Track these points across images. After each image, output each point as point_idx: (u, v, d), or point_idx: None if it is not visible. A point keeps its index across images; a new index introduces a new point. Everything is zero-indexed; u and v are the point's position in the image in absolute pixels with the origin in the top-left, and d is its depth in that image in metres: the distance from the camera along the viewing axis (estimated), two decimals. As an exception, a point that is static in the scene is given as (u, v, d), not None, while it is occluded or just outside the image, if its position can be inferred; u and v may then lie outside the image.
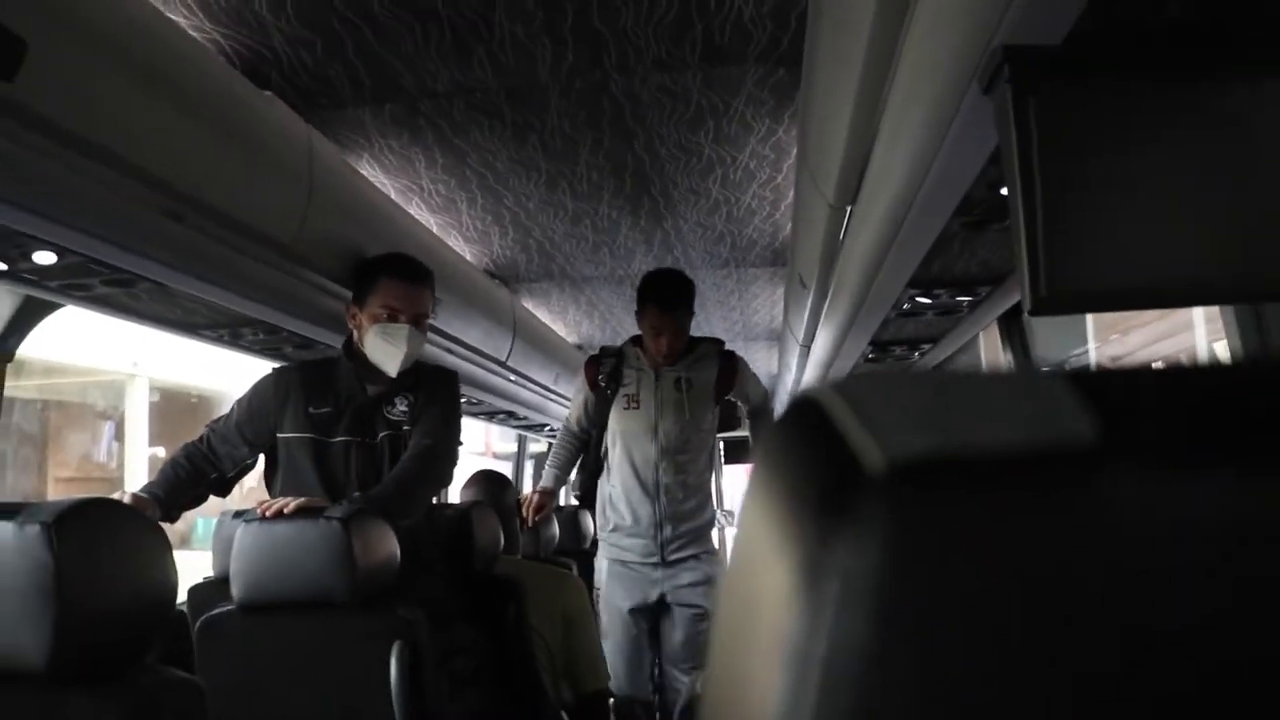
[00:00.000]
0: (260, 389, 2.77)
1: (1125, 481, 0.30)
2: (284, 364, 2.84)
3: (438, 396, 2.84)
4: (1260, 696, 0.29)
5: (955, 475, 0.30)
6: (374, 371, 2.73)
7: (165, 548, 1.54)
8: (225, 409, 2.80)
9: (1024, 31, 1.18)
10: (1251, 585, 0.30)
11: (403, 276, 2.75)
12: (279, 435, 2.71)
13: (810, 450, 0.33)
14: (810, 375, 5.17)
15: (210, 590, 2.75)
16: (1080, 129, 1.15)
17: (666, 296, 3.48)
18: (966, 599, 0.30)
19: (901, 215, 1.94)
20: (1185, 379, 0.35)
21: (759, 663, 0.32)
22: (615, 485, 3.63)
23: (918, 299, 2.73)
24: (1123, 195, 1.16)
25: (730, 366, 3.69)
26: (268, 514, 2.24)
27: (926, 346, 3.77)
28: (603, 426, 3.67)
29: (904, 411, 0.32)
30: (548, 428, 6.51)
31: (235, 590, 2.22)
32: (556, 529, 4.52)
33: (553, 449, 3.92)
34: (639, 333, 3.64)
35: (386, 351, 2.70)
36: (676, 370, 3.59)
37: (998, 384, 0.34)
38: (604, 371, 3.64)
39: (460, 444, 2.93)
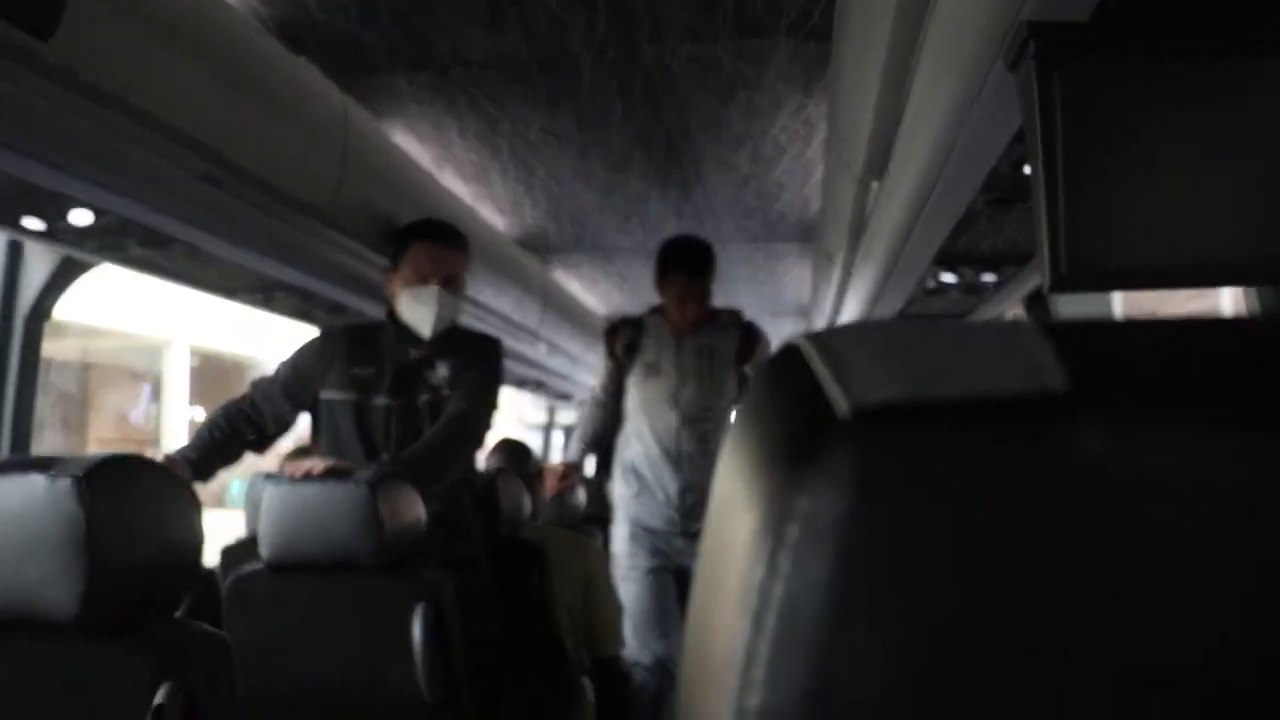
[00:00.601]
0: (306, 349, 2.81)
1: (1092, 432, 0.31)
2: (331, 328, 2.88)
3: (476, 361, 2.84)
4: (1219, 658, 0.30)
5: (921, 419, 0.31)
6: (414, 335, 2.76)
7: (194, 505, 1.57)
8: (257, 371, 2.84)
9: (1050, 8, 1.17)
10: (1219, 543, 0.30)
11: (432, 239, 2.78)
12: (321, 396, 2.75)
13: (784, 398, 0.34)
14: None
15: (243, 550, 2.79)
16: (1105, 106, 1.15)
17: (693, 261, 3.46)
18: (926, 543, 0.30)
19: (927, 191, 1.94)
20: (1161, 333, 0.35)
21: (727, 610, 0.32)
22: (637, 453, 3.62)
23: (943, 276, 2.73)
24: (1147, 173, 1.16)
25: (751, 337, 3.66)
26: (296, 475, 2.27)
27: (954, 324, 3.77)
28: (619, 395, 3.66)
29: (877, 359, 0.33)
30: (576, 398, 6.54)
31: (263, 550, 2.26)
32: (583, 498, 4.54)
33: (581, 420, 3.93)
34: (658, 303, 3.63)
35: (418, 314, 2.73)
36: (699, 339, 3.56)
37: (974, 334, 0.34)
38: (622, 341, 3.63)
39: (497, 410, 2.93)
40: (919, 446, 0.31)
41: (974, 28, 1.34)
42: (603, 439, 3.78)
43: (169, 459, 2.52)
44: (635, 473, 3.61)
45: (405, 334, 2.77)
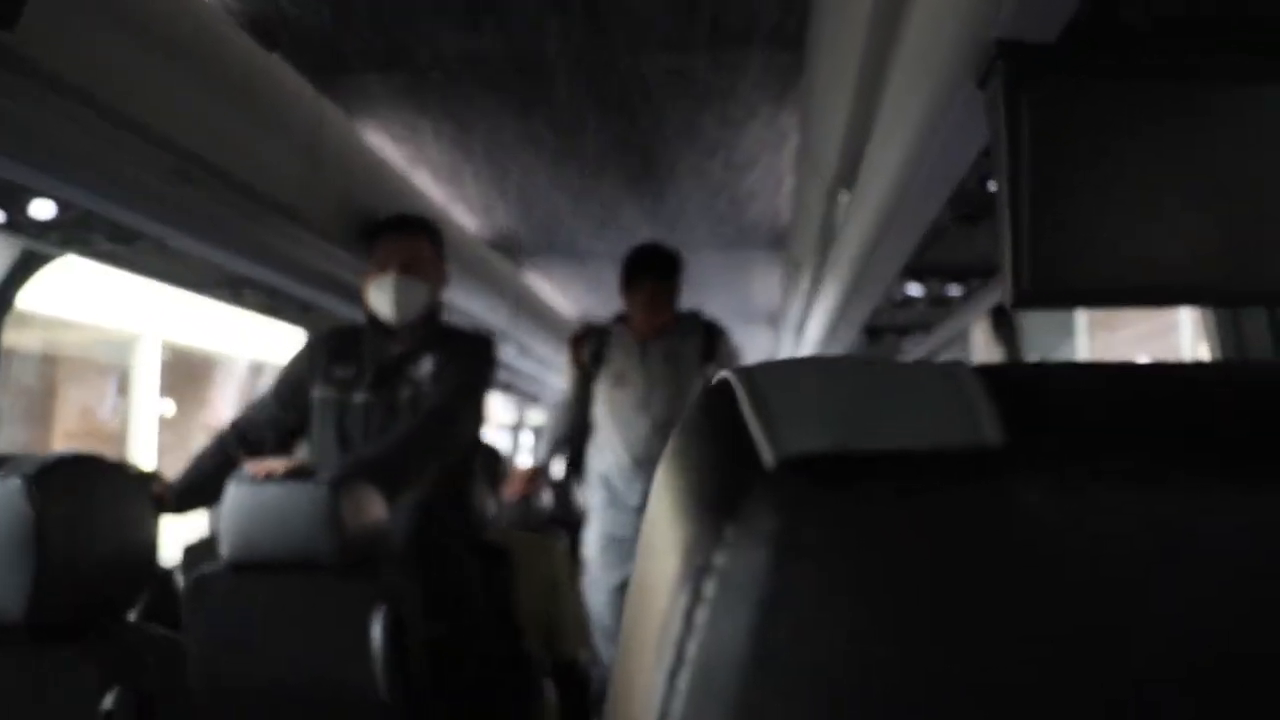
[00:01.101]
0: (295, 357, 2.87)
1: (1029, 486, 0.30)
2: (318, 332, 2.94)
3: (461, 358, 2.80)
4: (1160, 700, 0.30)
5: (850, 471, 0.30)
6: (392, 330, 2.77)
7: (147, 505, 1.56)
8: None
9: (1019, 26, 1.18)
10: (1156, 589, 0.30)
11: (391, 229, 2.83)
12: (310, 396, 2.77)
13: (710, 443, 0.33)
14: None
15: (205, 550, 2.77)
16: (1072, 125, 1.16)
17: (661, 266, 3.51)
18: (854, 599, 0.29)
19: (895, 204, 1.94)
20: (1098, 381, 0.34)
21: (645, 663, 0.32)
22: (609, 463, 3.61)
23: (909, 288, 2.74)
24: (1112, 193, 1.16)
25: (713, 336, 3.68)
26: (258, 475, 2.26)
27: (918, 336, 3.78)
28: (586, 403, 3.66)
29: (808, 404, 0.32)
30: (545, 400, 6.53)
31: (223, 549, 2.24)
32: (548, 500, 4.53)
33: (549, 422, 3.92)
34: (622, 312, 3.68)
35: (380, 303, 2.76)
36: (665, 344, 3.58)
37: (910, 381, 0.33)
38: (588, 349, 3.65)
39: (481, 411, 2.93)
40: (847, 500, 0.30)
41: (944, 45, 1.34)
42: (572, 440, 3.78)
43: (158, 484, 2.52)
44: (606, 483, 3.60)
45: (383, 330, 2.78)
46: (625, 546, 3.58)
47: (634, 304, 3.54)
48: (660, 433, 3.54)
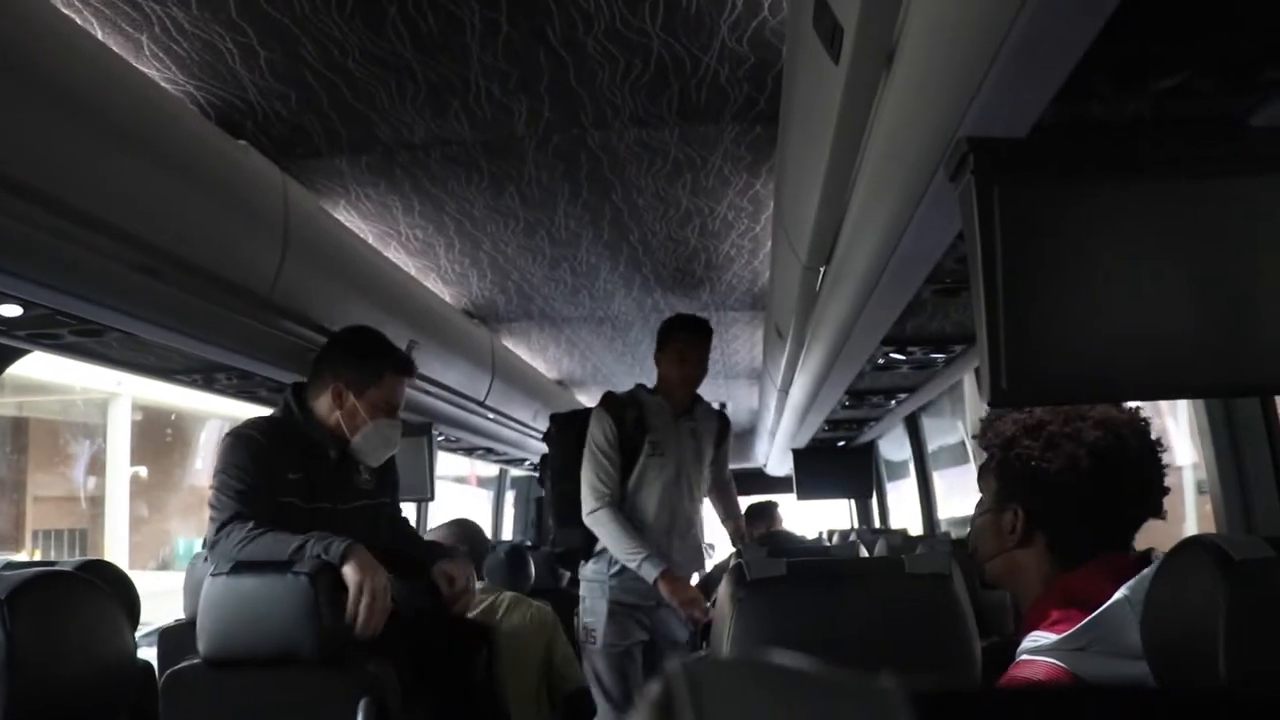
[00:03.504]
0: (249, 459, 2.51)
1: None
2: (245, 432, 2.56)
3: (390, 469, 2.91)
4: None
5: None
6: (333, 439, 2.66)
7: (122, 620, 1.52)
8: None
9: (990, 123, 1.18)
10: None
11: (404, 373, 2.76)
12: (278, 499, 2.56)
13: None
14: (788, 419, 5.17)
15: (181, 634, 2.71)
16: (1043, 221, 1.15)
17: (699, 325, 3.64)
18: None
19: (873, 281, 1.94)
20: (1029, 710, 0.34)
21: None
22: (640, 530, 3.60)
23: (892, 355, 2.74)
24: (1086, 288, 1.15)
25: (726, 425, 3.93)
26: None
27: (903, 395, 3.78)
28: (627, 473, 3.64)
29: None
30: (528, 461, 6.50)
31: (201, 645, 2.19)
32: (533, 567, 4.48)
33: (611, 538, 3.57)
34: (641, 381, 3.79)
35: (382, 445, 2.72)
36: (691, 420, 3.75)
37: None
38: (630, 417, 3.66)
39: None
40: None
41: (915, 137, 1.34)
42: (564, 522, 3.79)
43: None
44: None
45: (323, 436, 2.65)
46: (636, 612, 3.61)
47: (670, 364, 3.65)
48: (690, 504, 3.71)
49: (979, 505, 1.59)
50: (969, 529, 1.66)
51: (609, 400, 3.70)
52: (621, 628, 3.62)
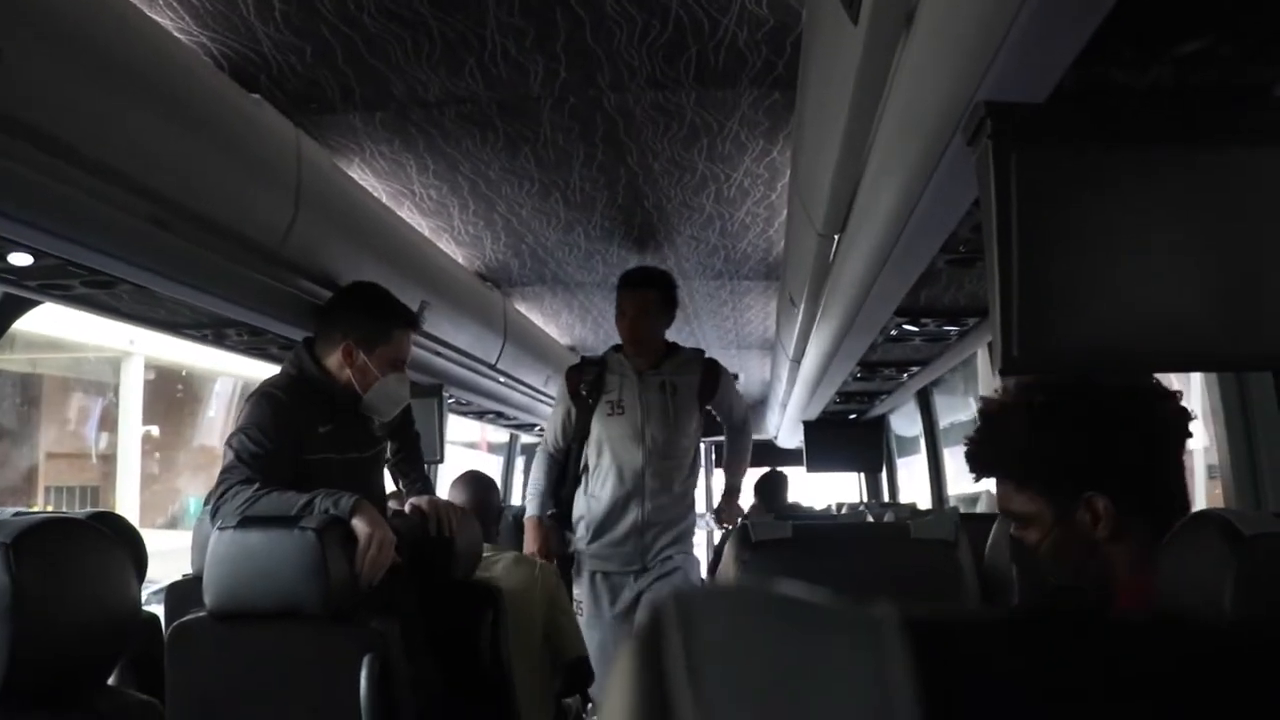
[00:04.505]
0: (271, 419, 2.51)
1: None
2: (270, 390, 2.58)
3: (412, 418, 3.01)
4: None
5: None
6: (346, 393, 2.67)
7: (127, 568, 1.53)
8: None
9: (1008, 88, 1.16)
10: None
11: (415, 328, 2.83)
12: (305, 457, 2.57)
13: (641, 713, 0.32)
14: (800, 391, 5.15)
15: (189, 589, 2.72)
16: (1060, 187, 1.14)
17: (633, 278, 3.55)
18: None
19: (887, 249, 1.93)
20: (1038, 641, 0.33)
21: None
22: (599, 494, 3.59)
23: (905, 326, 2.72)
24: (1100, 257, 1.14)
25: (713, 372, 3.72)
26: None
27: (915, 369, 3.76)
28: (584, 437, 3.64)
29: (738, 682, 0.31)
30: (538, 427, 6.50)
31: (207, 598, 2.20)
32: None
33: (530, 475, 3.87)
34: (618, 342, 3.69)
35: (393, 400, 2.75)
36: (660, 374, 3.60)
37: (831, 654, 0.33)
38: (586, 380, 3.64)
39: None
40: None
41: (933, 102, 1.32)
42: (558, 490, 3.77)
43: None
44: (595, 516, 3.59)
45: (340, 391, 2.66)
46: (613, 580, 3.58)
47: (620, 323, 3.58)
48: (653, 463, 3.55)
49: (1033, 532, 1.44)
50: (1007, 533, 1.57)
51: (574, 365, 3.79)
52: (604, 597, 3.61)
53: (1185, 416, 1.38)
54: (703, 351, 3.80)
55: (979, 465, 1.49)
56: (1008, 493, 1.46)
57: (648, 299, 3.54)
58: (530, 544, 3.66)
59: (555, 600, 3.59)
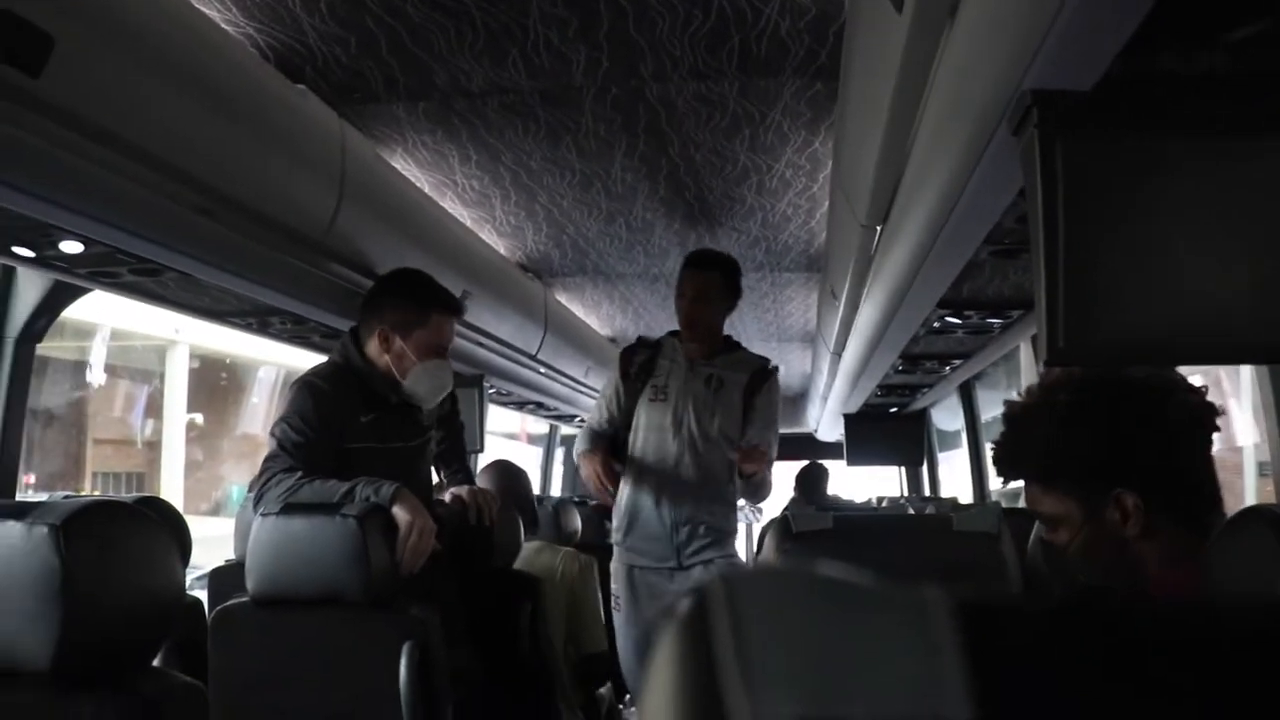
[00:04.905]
0: (313, 408, 2.52)
1: None
2: (312, 380, 2.58)
3: (454, 406, 2.96)
4: None
5: None
6: (388, 382, 2.65)
7: (173, 551, 1.54)
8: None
9: (1054, 76, 1.15)
10: None
11: (452, 312, 2.73)
12: (347, 446, 2.57)
13: (686, 684, 0.32)
14: (840, 383, 5.14)
15: (232, 574, 2.76)
16: (1107, 177, 1.12)
17: (697, 258, 3.34)
18: None
19: (930, 240, 1.91)
20: (1089, 626, 0.33)
21: None
22: (632, 482, 3.43)
23: (947, 319, 2.70)
24: (1148, 247, 1.13)
25: (763, 376, 3.45)
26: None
27: (957, 362, 3.74)
28: (628, 421, 3.44)
29: (788, 661, 0.31)
30: (578, 418, 6.52)
31: (250, 583, 2.23)
32: (579, 522, 4.49)
33: (577, 440, 3.69)
34: (677, 327, 3.47)
35: (432, 387, 2.70)
36: (711, 367, 3.39)
37: (886, 639, 0.32)
38: (637, 361, 3.45)
39: None
40: None
41: (978, 90, 1.31)
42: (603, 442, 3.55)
43: None
44: (631, 506, 3.42)
45: (384, 381, 2.65)
46: (648, 577, 3.41)
47: (679, 303, 3.37)
48: (690, 455, 3.35)
49: (1063, 533, 1.43)
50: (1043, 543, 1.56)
51: (629, 345, 3.57)
52: (638, 597, 3.41)
53: (1211, 410, 1.36)
54: (767, 360, 3.54)
55: (1006, 467, 1.49)
56: (1035, 494, 1.45)
57: (711, 281, 3.31)
58: (587, 472, 3.44)
59: (576, 591, 3.56)
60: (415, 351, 2.63)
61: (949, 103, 1.44)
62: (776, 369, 3.50)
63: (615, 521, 3.50)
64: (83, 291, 2.53)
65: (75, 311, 2.71)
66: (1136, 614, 0.33)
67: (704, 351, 3.39)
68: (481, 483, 3.55)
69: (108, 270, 2.31)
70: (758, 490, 3.49)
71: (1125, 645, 0.32)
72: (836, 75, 2.26)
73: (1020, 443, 1.45)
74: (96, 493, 12.14)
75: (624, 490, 3.45)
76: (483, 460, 5.15)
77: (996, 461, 1.50)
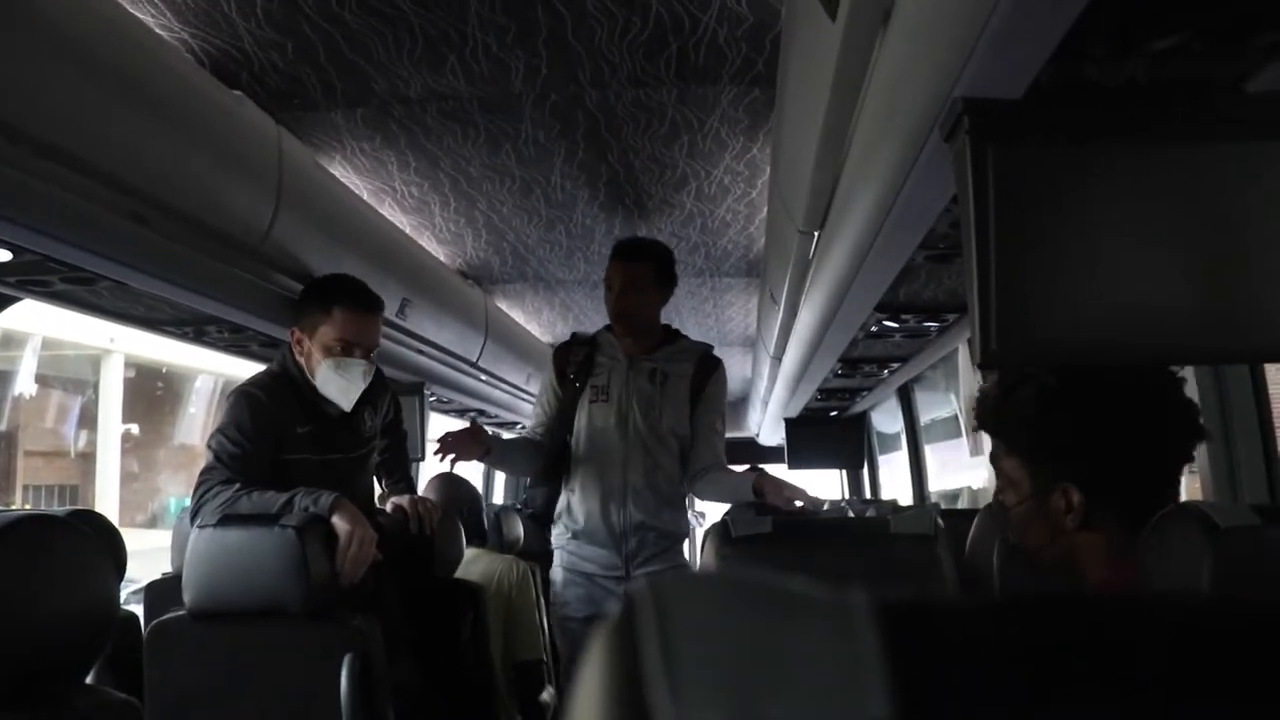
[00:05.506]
0: (249, 418, 2.49)
1: None
2: (248, 390, 2.54)
3: (396, 411, 2.97)
4: None
5: None
6: (313, 389, 2.60)
7: (107, 566, 1.52)
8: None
9: (985, 84, 1.17)
10: None
11: (358, 307, 2.59)
12: (285, 457, 2.54)
13: (612, 686, 0.32)
14: (781, 387, 5.17)
15: (168, 588, 2.72)
16: (1038, 183, 1.15)
17: (625, 248, 3.14)
18: None
19: (867, 245, 1.94)
20: (1012, 621, 0.34)
21: None
22: (577, 488, 3.23)
23: (885, 322, 2.73)
24: (1078, 251, 1.15)
25: (708, 366, 3.26)
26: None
27: (896, 365, 3.77)
28: (568, 425, 3.25)
29: (711, 668, 0.32)
30: (520, 425, 6.50)
31: (186, 596, 2.20)
32: (520, 529, 4.47)
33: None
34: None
35: (340, 387, 2.59)
36: (653, 361, 3.20)
37: (808, 642, 0.33)
38: (574, 360, 3.25)
39: None
40: None
41: (911, 98, 1.33)
42: (519, 453, 3.41)
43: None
44: (574, 511, 3.25)
45: (312, 391, 2.60)
46: (591, 583, 3.24)
47: (606, 297, 3.18)
48: (637, 457, 3.17)
49: (1010, 495, 1.47)
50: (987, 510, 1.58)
51: (563, 343, 3.38)
52: (576, 597, 3.25)
53: (1191, 411, 1.38)
54: (711, 347, 3.36)
55: (982, 417, 1.52)
56: (1000, 452, 1.49)
57: (640, 272, 3.12)
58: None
59: (513, 599, 3.56)
60: (320, 350, 2.55)
61: (883, 110, 1.46)
62: (713, 357, 3.32)
63: (557, 527, 3.34)
64: (12, 301, 2.48)
65: (4, 320, 2.65)
66: (1062, 611, 0.34)
67: (644, 346, 3.22)
68: (426, 494, 3.52)
69: (38, 279, 2.27)
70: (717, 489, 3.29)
71: (1050, 643, 0.33)
72: (774, 82, 2.28)
73: (1003, 401, 1.48)
74: (28, 506, 11.90)
75: (567, 496, 3.29)
76: (424, 468, 5.13)
77: (978, 406, 1.53)
